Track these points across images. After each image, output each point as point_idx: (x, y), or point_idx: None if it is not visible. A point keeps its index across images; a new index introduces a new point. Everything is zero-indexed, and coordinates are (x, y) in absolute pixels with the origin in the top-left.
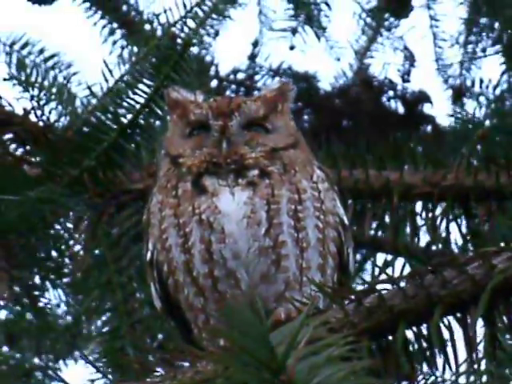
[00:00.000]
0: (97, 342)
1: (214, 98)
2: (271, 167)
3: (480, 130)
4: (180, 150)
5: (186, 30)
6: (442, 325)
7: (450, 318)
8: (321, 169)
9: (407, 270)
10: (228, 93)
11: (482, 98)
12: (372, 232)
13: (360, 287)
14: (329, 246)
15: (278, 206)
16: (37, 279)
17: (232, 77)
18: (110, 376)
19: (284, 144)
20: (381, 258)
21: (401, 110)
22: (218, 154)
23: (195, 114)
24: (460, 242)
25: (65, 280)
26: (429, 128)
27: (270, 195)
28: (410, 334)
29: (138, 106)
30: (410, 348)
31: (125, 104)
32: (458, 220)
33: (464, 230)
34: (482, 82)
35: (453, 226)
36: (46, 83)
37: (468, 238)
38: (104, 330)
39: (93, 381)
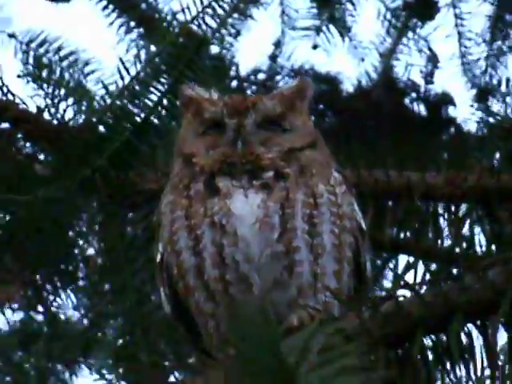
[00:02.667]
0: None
1: (230, 96)
2: (287, 169)
3: (506, 123)
4: (193, 148)
5: (203, 27)
6: (461, 332)
7: (470, 325)
8: (339, 171)
9: (428, 274)
10: (248, 93)
11: (508, 99)
12: (393, 233)
13: (378, 294)
14: (345, 252)
15: (292, 210)
16: (48, 283)
17: (252, 77)
18: None
19: (301, 144)
20: (402, 260)
21: (423, 112)
22: (232, 154)
23: (210, 111)
24: (484, 244)
25: (79, 283)
26: (452, 130)
27: (284, 199)
28: (427, 341)
29: (151, 105)
30: (428, 356)
31: (138, 102)
32: (482, 222)
33: (487, 232)
34: (508, 81)
35: (476, 228)
36: (61, 81)
37: (491, 240)
38: (117, 335)
39: None
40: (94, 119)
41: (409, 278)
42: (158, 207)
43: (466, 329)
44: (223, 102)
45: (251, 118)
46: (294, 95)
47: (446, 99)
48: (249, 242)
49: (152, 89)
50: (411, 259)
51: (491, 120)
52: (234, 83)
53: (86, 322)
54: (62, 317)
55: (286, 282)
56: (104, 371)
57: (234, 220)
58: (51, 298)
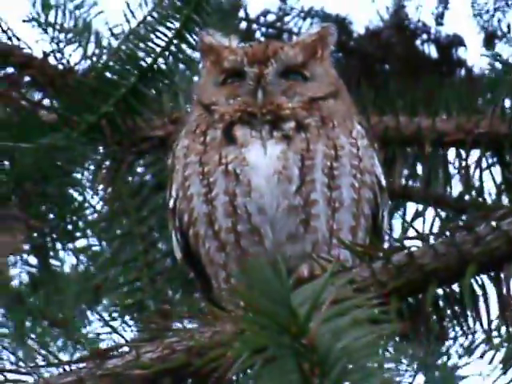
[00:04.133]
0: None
1: (250, 44)
2: (309, 119)
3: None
4: (213, 98)
5: None
6: (474, 283)
7: (483, 276)
8: (361, 124)
9: (438, 222)
10: (258, 35)
11: None
12: (402, 181)
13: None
14: (363, 208)
15: (312, 161)
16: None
17: (262, 19)
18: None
19: (323, 93)
20: (411, 208)
21: (434, 54)
22: (252, 104)
23: (229, 60)
24: (494, 192)
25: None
26: (462, 72)
27: (304, 150)
28: (440, 293)
29: (158, 50)
30: (441, 307)
31: (145, 47)
32: (492, 169)
33: (498, 179)
34: None
35: (486, 175)
36: (67, 25)
37: (502, 187)
38: (123, 281)
39: (99, 334)
40: (100, 64)
41: (418, 226)
42: (172, 151)
43: (479, 280)
44: (243, 51)
45: (272, 67)
46: (315, 43)
47: (457, 41)
48: (263, 193)
49: (158, 34)
50: (420, 207)
51: (499, 66)
52: (243, 25)
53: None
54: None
55: (300, 236)
56: (109, 318)
57: (249, 170)
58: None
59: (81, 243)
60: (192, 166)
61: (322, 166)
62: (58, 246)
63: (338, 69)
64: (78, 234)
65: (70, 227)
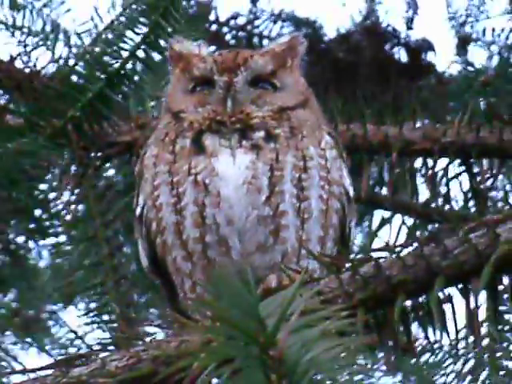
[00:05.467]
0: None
1: (220, 52)
2: (278, 129)
3: (483, 76)
4: (182, 106)
5: None
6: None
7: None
8: (330, 134)
9: (404, 230)
10: (227, 37)
11: (493, 47)
12: (369, 189)
13: (357, 256)
14: (331, 218)
15: (281, 172)
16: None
17: (232, 22)
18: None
19: (293, 103)
20: (378, 215)
21: (404, 58)
22: (222, 112)
23: (199, 68)
24: (461, 199)
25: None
26: (432, 77)
27: (274, 161)
28: (407, 304)
29: (125, 55)
30: (409, 320)
31: (112, 52)
32: (460, 177)
33: (465, 187)
34: (493, 30)
35: (454, 183)
36: (34, 28)
37: (469, 196)
38: (89, 285)
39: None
40: (67, 68)
41: (385, 233)
42: (140, 158)
43: (447, 292)
44: (213, 59)
45: (242, 75)
46: (285, 52)
47: (426, 45)
48: (232, 203)
49: (126, 38)
50: (387, 214)
51: (471, 71)
52: (213, 28)
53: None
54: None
55: (269, 247)
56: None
57: (218, 180)
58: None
59: (51, 240)
60: (161, 175)
61: (291, 178)
62: (31, 244)
63: (308, 73)
64: (49, 231)
65: (39, 225)
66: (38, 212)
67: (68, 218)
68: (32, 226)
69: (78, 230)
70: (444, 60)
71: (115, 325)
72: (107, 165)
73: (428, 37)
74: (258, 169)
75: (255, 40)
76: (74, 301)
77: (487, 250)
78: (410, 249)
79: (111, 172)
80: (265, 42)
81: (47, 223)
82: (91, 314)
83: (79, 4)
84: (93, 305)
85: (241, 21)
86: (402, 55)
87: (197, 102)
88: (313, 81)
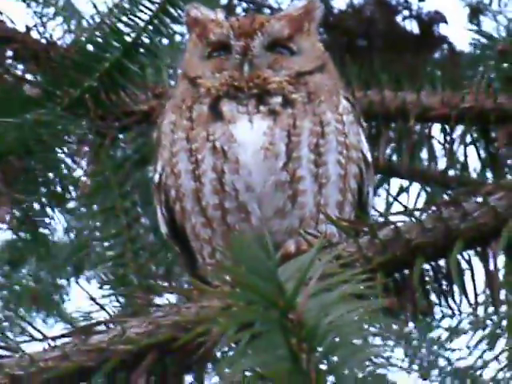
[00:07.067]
0: (100, 270)
1: (236, 17)
2: (295, 95)
3: (499, 44)
4: (199, 72)
5: None
6: (461, 259)
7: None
8: (347, 99)
9: (423, 197)
10: (239, 9)
11: (500, 17)
12: (387, 156)
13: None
14: (349, 183)
15: (298, 138)
16: (37, 205)
17: None
18: (109, 310)
19: (310, 67)
20: (396, 183)
21: (416, 30)
22: (239, 78)
23: (215, 33)
24: (478, 167)
25: (68, 205)
26: (444, 49)
27: (291, 126)
28: (427, 268)
29: (142, 24)
30: (427, 283)
31: (129, 22)
32: (477, 144)
33: (482, 154)
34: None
35: (471, 150)
36: None
37: (486, 163)
38: (107, 256)
39: (89, 313)
40: (84, 38)
41: (402, 201)
42: (158, 125)
43: (466, 255)
44: (229, 24)
45: (258, 40)
46: (302, 16)
47: (439, 17)
48: (251, 170)
49: (142, 7)
50: (404, 182)
51: (483, 41)
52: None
53: (75, 243)
54: (51, 238)
55: (287, 212)
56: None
57: (237, 147)
58: (39, 219)
59: (70, 205)
60: (179, 142)
61: (309, 143)
62: (48, 211)
63: (322, 43)
64: (67, 196)
65: (58, 189)
66: (55, 182)
67: (85, 189)
68: (49, 194)
69: (95, 200)
70: (457, 31)
71: (133, 295)
72: (125, 134)
73: (439, 8)
74: (275, 134)
75: (266, 12)
76: (90, 274)
77: (506, 213)
78: (429, 212)
79: (129, 142)
80: (281, 12)
81: (64, 192)
82: (108, 286)
83: None
84: (110, 276)
85: None
86: (414, 27)
87: (213, 68)
88: (327, 49)
